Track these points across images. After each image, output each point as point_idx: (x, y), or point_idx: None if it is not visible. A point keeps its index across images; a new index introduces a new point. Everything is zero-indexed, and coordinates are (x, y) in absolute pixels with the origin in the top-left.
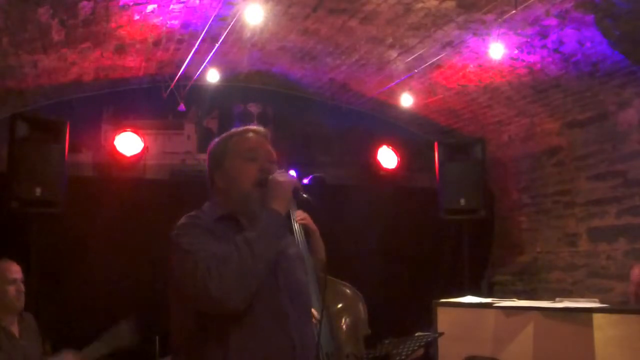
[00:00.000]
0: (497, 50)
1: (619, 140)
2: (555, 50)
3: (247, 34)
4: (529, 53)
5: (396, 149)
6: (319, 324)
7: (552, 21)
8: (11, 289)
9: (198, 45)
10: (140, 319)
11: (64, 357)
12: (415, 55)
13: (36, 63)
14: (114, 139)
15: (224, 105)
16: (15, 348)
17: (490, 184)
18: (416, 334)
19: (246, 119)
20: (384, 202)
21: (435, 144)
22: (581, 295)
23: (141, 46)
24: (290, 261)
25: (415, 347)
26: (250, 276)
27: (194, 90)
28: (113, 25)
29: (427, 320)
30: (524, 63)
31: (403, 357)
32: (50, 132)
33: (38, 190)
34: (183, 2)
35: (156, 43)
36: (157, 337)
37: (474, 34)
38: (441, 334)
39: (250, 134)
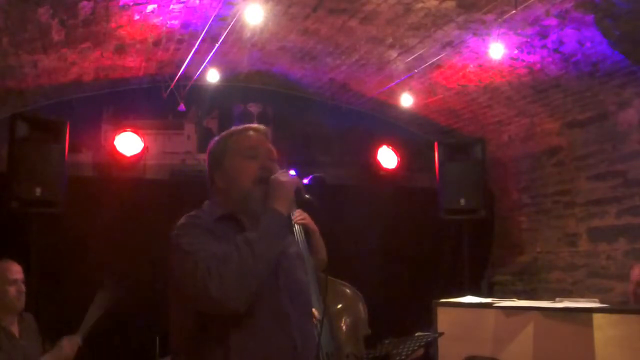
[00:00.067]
0: (497, 50)
1: (619, 140)
2: (555, 50)
3: (247, 34)
4: (529, 53)
5: (396, 149)
6: (319, 324)
7: (552, 21)
8: (12, 290)
9: (198, 45)
10: (113, 278)
11: (62, 345)
12: (415, 55)
13: (36, 63)
14: (114, 139)
15: (224, 105)
16: (15, 348)
17: (490, 184)
18: (416, 334)
19: (246, 119)
20: (384, 202)
21: (435, 144)
22: (581, 295)
23: (141, 46)
24: (290, 260)
25: (415, 347)
26: (250, 276)
27: (194, 90)
28: (113, 25)
29: (427, 320)
30: (524, 63)
31: (403, 357)
32: (50, 132)
33: (38, 190)
34: (183, 2)
35: (156, 43)
36: (157, 337)
37: (474, 34)
38: (441, 334)
39: (251, 132)
